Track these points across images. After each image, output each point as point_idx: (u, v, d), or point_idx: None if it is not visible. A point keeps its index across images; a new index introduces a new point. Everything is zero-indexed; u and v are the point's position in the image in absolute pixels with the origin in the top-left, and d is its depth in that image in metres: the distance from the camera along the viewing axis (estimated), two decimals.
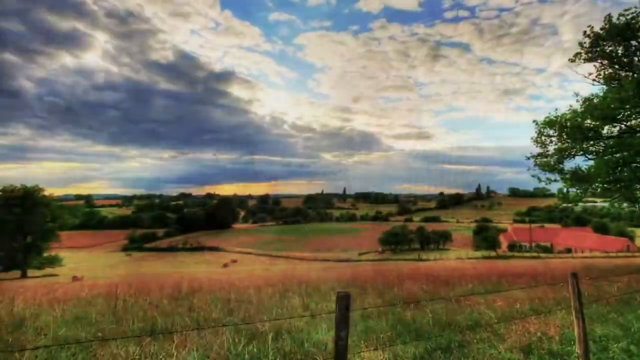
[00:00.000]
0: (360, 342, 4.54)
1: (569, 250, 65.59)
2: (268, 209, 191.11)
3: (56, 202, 55.28)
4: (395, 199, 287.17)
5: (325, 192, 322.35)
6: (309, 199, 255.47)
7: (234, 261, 67.36)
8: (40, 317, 5.10)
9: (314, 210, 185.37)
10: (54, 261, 46.35)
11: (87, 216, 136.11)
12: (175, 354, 3.54)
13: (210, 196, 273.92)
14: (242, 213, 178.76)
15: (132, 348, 3.63)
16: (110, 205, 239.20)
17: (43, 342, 3.92)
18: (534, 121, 16.56)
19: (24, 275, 41.20)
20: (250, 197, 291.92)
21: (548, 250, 68.46)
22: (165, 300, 6.85)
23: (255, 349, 3.92)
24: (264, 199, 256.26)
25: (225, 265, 58.31)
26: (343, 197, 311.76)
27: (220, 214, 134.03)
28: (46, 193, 47.53)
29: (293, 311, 5.78)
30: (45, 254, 46.00)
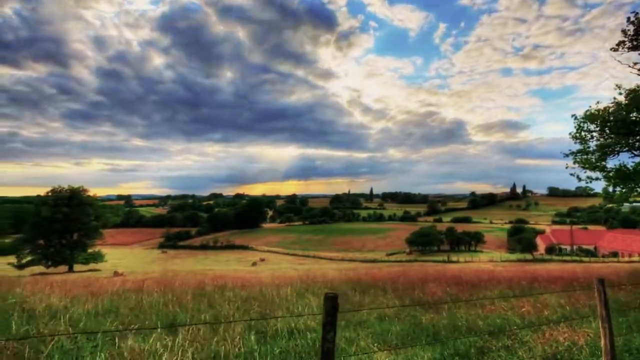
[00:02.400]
0: (373, 344, 4.48)
1: (614, 254, 60.76)
2: (295, 209, 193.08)
3: (99, 202, 59.30)
4: (423, 198, 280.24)
5: (352, 192, 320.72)
6: (336, 199, 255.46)
7: (262, 260, 68.74)
8: (73, 309, 5.50)
9: (341, 210, 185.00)
10: (97, 257, 49.59)
11: (127, 215, 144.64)
12: (188, 347, 3.69)
13: (239, 196, 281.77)
14: (270, 213, 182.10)
15: (150, 341, 3.82)
16: (148, 205, 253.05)
17: (62, 331, 4.21)
18: (572, 115, 15.53)
19: (70, 270, 44.48)
20: (278, 197, 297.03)
21: (592, 253, 63.88)
22: (189, 296, 7.12)
23: (264, 348, 3.98)
24: (291, 199, 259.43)
25: (254, 264, 59.67)
26: (370, 197, 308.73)
27: (249, 213, 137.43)
28: (90, 193, 51.09)
29: (309, 311, 5.81)
30: (89, 251, 49.39)
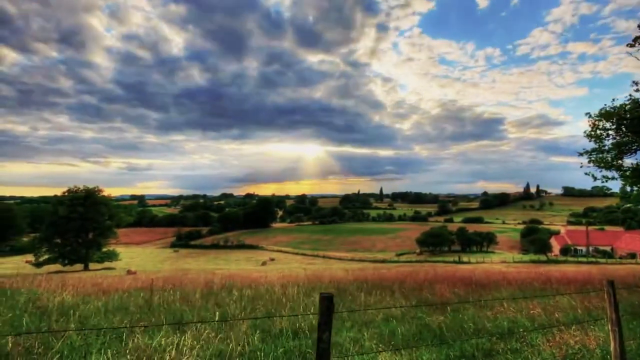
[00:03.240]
0: (378, 344, 4.46)
1: (632, 256, 58.95)
2: (305, 209, 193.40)
3: (113, 202, 60.64)
4: (434, 198, 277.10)
5: (361, 192, 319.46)
6: (346, 199, 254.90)
7: (272, 259, 69.12)
8: (85, 306, 5.64)
9: (351, 210, 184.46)
10: (112, 256, 50.70)
11: (140, 215, 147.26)
12: (194, 345, 3.74)
13: (249, 196, 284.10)
14: (280, 213, 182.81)
15: (157, 338, 3.89)
16: (160, 205, 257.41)
17: (73, 328, 4.32)
18: (586, 114, 15.14)
19: (86, 268, 45.57)
20: (287, 197, 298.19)
21: (608, 255, 62.15)
22: (198, 294, 7.22)
23: (267, 347, 4.01)
24: (301, 198, 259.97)
25: (263, 264, 60.06)
26: (380, 197, 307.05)
27: (259, 213, 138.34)
28: (105, 193, 52.25)
29: (315, 311, 5.82)
30: (104, 249, 50.52)
